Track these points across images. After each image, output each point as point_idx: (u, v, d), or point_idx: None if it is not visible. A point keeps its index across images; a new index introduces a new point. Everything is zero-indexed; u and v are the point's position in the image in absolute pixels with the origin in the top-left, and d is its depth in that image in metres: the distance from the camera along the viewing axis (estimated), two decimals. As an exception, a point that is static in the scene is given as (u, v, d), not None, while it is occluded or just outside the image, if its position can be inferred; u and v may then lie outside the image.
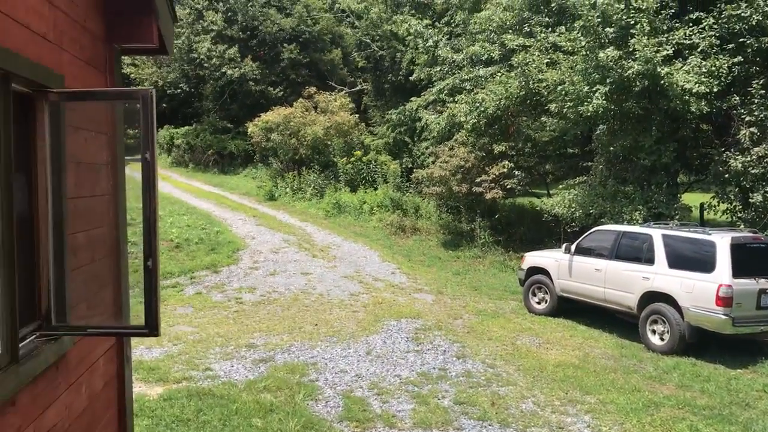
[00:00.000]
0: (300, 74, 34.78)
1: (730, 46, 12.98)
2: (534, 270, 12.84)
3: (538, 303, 12.63)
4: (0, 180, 2.77)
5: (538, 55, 15.16)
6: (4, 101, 2.80)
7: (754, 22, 12.53)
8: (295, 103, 27.49)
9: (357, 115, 27.58)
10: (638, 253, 10.96)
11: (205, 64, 33.65)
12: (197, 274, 14.36)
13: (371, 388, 8.16)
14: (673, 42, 13.01)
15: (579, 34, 13.84)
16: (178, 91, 35.29)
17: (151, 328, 3.47)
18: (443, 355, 9.59)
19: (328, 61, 36.02)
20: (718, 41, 12.97)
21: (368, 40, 29.71)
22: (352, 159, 24.44)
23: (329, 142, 25.44)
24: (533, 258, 13.07)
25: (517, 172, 18.62)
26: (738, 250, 9.82)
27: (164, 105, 35.36)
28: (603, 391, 8.35)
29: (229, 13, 34.46)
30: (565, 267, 12.12)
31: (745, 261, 9.80)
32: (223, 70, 33.17)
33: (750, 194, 13.12)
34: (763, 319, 9.85)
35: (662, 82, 12.50)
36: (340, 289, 13.61)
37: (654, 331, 10.44)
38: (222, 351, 9.46)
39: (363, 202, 22.00)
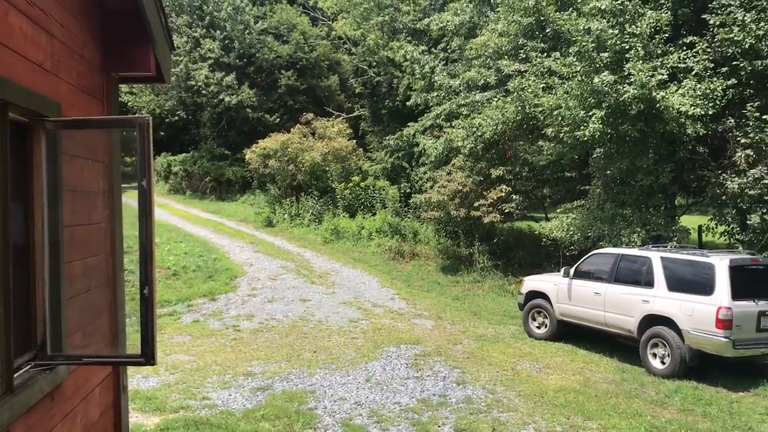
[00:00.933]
0: (297, 100, 34.96)
1: (724, 69, 13.09)
2: (533, 294, 12.80)
3: (538, 327, 12.57)
4: (-4, 209, 2.76)
5: (534, 80, 15.25)
6: (2, 130, 2.80)
7: (747, 46, 12.61)
8: (292, 129, 27.55)
9: (355, 141, 27.62)
10: (637, 276, 10.93)
11: (203, 92, 33.84)
12: (195, 302, 14.29)
13: (371, 416, 8.07)
14: (668, 66, 13.11)
15: (574, 59, 13.95)
16: (176, 118, 35.42)
17: (148, 356, 3.44)
18: (443, 382, 9.51)
19: (325, 88, 36.25)
20: (712, 64, 13.07)
21: (365, 66, 29.95)
22: (350, 184, 24.46)
23: (327, 168, 25.46)
24: (532, 282, 13.03)
25: (514, 196, 18.60)
26: (737, 272, 9.81)
27: (162, 132, 35.48)
28: (605, 416, 8.27)
29: (227, 41, 34.70)
30: (564, 291, 12.09)
31: (744, 283, 9.78)
32: (221, 97, 33.36)
33: (747, 216, 13.11)
34: (763, 342, 9.80)
35: (658, 105, 12.57)
36: (338, 316, 13.54)
37: (655, 355, 10.37)
38: (220, 380, 9.37)
39: (361, 227, 21.98)
